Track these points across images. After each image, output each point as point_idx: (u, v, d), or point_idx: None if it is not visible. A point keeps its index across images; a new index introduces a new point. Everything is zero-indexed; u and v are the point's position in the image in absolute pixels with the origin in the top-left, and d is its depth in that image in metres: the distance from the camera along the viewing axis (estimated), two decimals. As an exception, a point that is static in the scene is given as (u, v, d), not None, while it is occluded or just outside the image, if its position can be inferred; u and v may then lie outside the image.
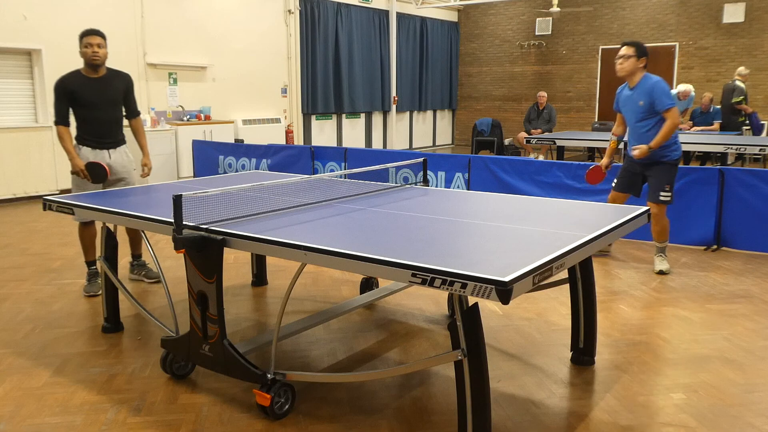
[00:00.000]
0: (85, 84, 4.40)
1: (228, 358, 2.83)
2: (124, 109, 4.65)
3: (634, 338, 3.68)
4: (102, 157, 4.49)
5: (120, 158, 4.59)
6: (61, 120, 4.43)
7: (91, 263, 4.57)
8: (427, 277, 2.12)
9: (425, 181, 4.14)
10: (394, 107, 14.85)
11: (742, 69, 10.44)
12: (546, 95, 11.67)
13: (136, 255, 4.88)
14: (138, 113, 4.74)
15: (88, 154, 4.47)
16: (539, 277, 2.15)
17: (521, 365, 3.32)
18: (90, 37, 4.36)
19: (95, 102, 4.42)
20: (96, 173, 4.36)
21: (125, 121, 4.66)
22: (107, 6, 9.27)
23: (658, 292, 4.53)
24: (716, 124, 10.44)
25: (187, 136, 9.93)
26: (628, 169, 5.09)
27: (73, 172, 4.44)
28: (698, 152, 10.53)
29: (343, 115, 13.94)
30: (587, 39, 14.79)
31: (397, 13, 14.58)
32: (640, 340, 3.66)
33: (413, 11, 15.23)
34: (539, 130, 11.25)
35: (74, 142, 4.52)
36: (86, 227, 4.50)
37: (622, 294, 4.50)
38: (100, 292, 4.39)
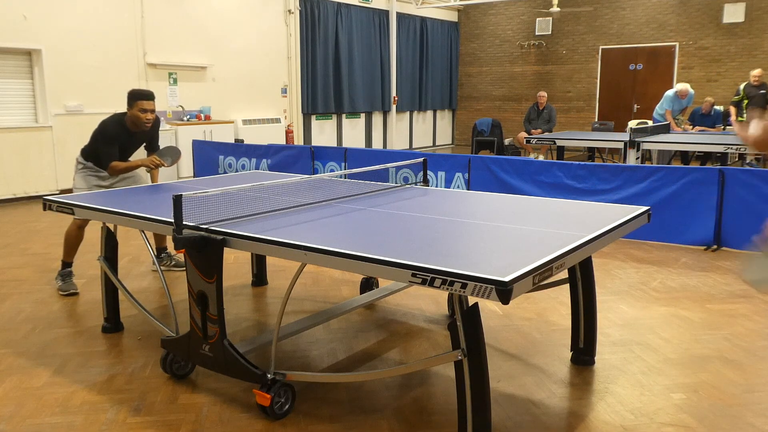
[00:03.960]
0: (127, 138, 4.55)
1: (228, 358, 2.83)
2: (146, 147, 4.82)
3: (634, 338, 3.68)
4: (104, 175, 4.65)
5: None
6: (113, 160, 4.50)
7: (66, 264, 4.63)
8: (427, 277, 2.12)
9: (425, 181, 4.14)
10: (394, 107, 14.84)
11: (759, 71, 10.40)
12: (546, 95, 11.67)
13: (162, 248, 5.11)
14: (158, 148, 4.86)
15: (96, 167, 4.61)
16: (539, 277, 2.15)
17: (521, 365, 3.32)
18: (147, 102, 4.42)
19: (127, 151, 4.64)
20: (172, 155, 4.61)
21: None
22: (107, 6, 9.27)
23: (658, 292, 4.53)
24: (718, 128, 10.45)
25: (187, 136, 9.93)
26: None
27: (149, 168, 4.62)
28: (698, 152, 10.54)
29: (343, 115, 13.94)
30: (587, 39, 14.79)
31: (397, 13, 14.58)
32: (641, 340, 3.66)
33: (413, 11, 15.22)
34: (539, 130, 11.24)
35: (81, 156, 4.64)
36: (80, 228, 4.57)
37: (622, 294, 4.50)
38: (78, 291, 4.54)
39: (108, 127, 4.46)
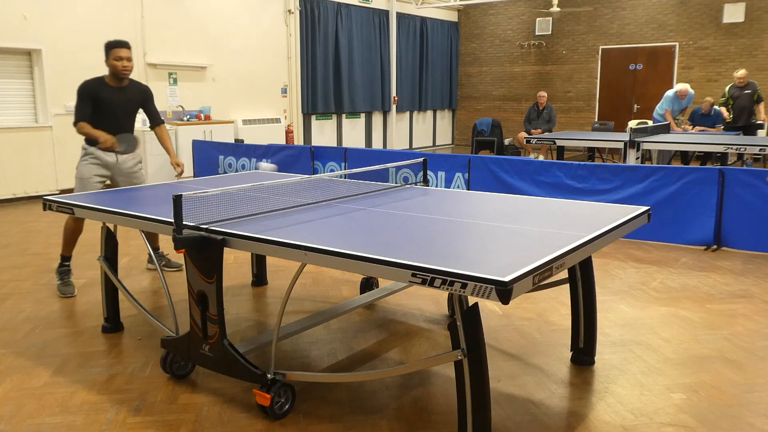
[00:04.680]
0: (109, 93, 4.48)
1: (228, 358, 2.83)
2: (147, 119, 4.80)
3: (634, 338, 3.68)
4: (111, 157, 4.59)
5: (128, 157, 4.70)
6: (82, 118, 4.42)
7: (65, 258, 4.60)
8: (427, 277, 2.12)
9: (425, 181, 4.14)
10: (394, 107, 14.85)
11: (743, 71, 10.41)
12: (546, 95, 11.67)
13: (154, 248, 5.01)
14: (161, 121, 4.85)
15: (99, 153, 4.54)
16: (539, 277, 2.15)
17: (521, 365, 3.32)
18: (121, 49, 4.42)
19: (115, 112, 4.52)
20: (126, 143, 4.51)
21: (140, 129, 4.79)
22: (107, 6, 9.27)
23: (658, 292, 4.53)
24: (719, 128, 10.45)
25: (187, 136, 9.93)
26: None
27: (101, 147, 4.47)
28: (698, 152, 10.54)
29: (343, 115, 13.94)
30: (587, 39, 14.79)
31: (397, 13, 14.58)
32: (641, 340, 3.66)
33: (413, 11, 15.22)
34: (539, 130, 11.25)
35: (84, 141, 4.59)
36: (76, 221, 4.52)
37: (622, 294, 4.50)
38: (75, 293, 4.49)
39: (84, 84, 4.42)
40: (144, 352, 3.50)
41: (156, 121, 4.82)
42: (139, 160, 4.81)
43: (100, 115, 4.48)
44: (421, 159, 4.23)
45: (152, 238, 5.01)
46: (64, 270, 4.59)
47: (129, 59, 4.47)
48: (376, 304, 4.26)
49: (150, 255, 4.95)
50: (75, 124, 4.41)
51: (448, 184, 7.17)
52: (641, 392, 3.01)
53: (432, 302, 4.31)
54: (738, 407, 2.87)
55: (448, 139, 17.33)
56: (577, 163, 6.47)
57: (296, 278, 2.68)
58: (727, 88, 10.31)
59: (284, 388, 2.80)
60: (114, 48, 4.41)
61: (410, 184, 4.13)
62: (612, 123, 12.87)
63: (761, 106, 10.04)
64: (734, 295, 4.47)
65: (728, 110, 10.19)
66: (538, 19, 15.37)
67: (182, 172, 4.73)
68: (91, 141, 4.53)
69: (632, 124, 10.80)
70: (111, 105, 4.48)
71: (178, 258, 5.18)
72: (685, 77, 13.28)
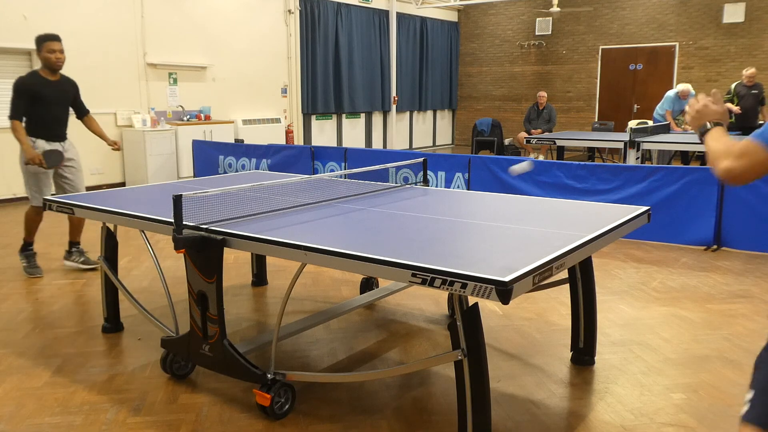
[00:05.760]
0: (46, 85, 4.74)
1: (228, 358, 2.83)
2: (74, 111, 5.04)
3: (634, 338, 3.68)
4: (56, 147, 4.88)
5: (70, 147, 5.05)
6: (17, 115, 4.66)
7: (29, 243, 4.92)
8: (427, 277, 2.12)
9: (425, 181, 4.14)
10: (394, 107, 14.84)
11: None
12: (546, 95, 11.67)
13: (75, 242, 5.17)
14: (87, 111, 5.12)
15: (45, 145, 4.82)
16: (539, 277, 2.15)
17: (521, 365, 3.32)
18: (53, 42, 4.68)
19: (54, 101, 4.81)
20: (52, 159, 4.77)
21: (72, 119, 5.07)
22: (107, 6, 9.27)
23: (658, 292, 4.53)
24: None
25: (187, 136, 9.93)
26: None
27: (27, 162, 4.73)
28: (698, 152, 10.54)
29: (343, 115, 13.94)
30: (587, 39, 14.79)
31: (397, 13, 14.58)
32: (641, 340, 3.66)
33: (413, 11, 15.22)
34: (539, 130, 11.25)
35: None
36: (38, 213, 4.88)
37: (622, 294, 4.50)
38: (42, 275, 4.82)
39: (20, 79, 4.67)
40: (144, 352, 3.50)
41: (83, 111, 5.08)
42: (76, 150, 5.11)
43: (39, 109, 4.72)
44: (421, 159, 4.23)
45: (74, 231, 5.13)
46: (29, 253, 4.87)
47: (61, 51, 4.71)
48: (376, 304, 4.26)
49: (69, 252, 5.20)
50: (10, 119, 4.63)
51: (448, 184, 7.17)
52: (641, 392, 3.01)
53: (432, 302, 4.31)
54: (738, 407, 2.87)
55: (448, 139, 17.33)
56: (577, 163, 6.47)
57: (296, 278, 2.68)
58: (733, 86, 10.16)
59: (284, 388, 2.80)
60: (46, 41, 4.65)
61: (410, 184, 4.13)
62: (612, 123, 12.87)
63: (765, 109, 9.92)
64: (734, 295, 4.48)
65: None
66: (538, 19, 15.37)
67: (119, 148, 5.07)
68: (35, 133, 4.76)
69: (632, 124, 10.80)
70: (49, 98, 4.74)
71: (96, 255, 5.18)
72: (685, 77, 13.28)
